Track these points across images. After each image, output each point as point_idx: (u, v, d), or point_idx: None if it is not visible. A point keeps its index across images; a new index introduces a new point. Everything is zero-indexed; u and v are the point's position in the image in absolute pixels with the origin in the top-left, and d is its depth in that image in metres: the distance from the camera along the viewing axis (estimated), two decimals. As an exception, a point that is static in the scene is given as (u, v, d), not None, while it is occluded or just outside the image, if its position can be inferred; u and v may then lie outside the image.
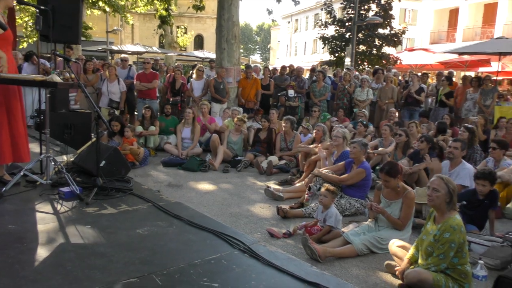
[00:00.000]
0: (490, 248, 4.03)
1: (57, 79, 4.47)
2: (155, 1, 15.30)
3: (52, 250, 3.11)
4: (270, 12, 12.52)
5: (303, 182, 6.05)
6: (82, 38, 9.99)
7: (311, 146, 7.08)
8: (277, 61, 51.45)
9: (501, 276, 2.52)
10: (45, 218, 3.77)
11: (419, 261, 3.39)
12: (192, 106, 9.64)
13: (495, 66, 14.12)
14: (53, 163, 4.70)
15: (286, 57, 51.03)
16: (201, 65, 10.93)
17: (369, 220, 4.39)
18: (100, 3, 17.90)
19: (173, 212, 3.93)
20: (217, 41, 10.51)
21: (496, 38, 13.99)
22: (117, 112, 8.92)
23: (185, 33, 30.82)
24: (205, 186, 6.35)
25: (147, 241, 3.29)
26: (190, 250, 3.13)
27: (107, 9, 19.01)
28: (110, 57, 21.77)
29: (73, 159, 5.44)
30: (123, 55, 11.78)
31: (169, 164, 7.49)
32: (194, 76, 10.36)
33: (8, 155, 4.36)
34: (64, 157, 5.53)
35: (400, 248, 3.75)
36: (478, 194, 4.59)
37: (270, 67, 14.98)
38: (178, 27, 31.71)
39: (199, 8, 13.30)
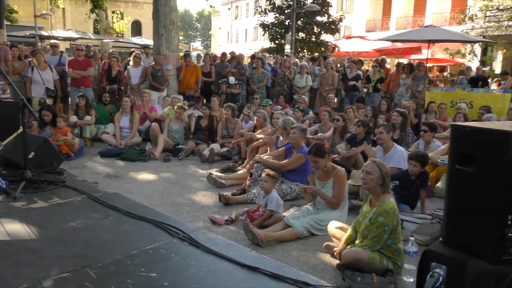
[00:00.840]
0: (421, 225, 4.27)
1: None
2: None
3: (-25, 249, 2.89)
4: (207, -3, 12.29)
5: (245, 168, 6.07)
6: (6, 23, 9.31)
7: (251, 132, 7.10)
8: (218, 48, 50.97)
9: (427, 250, 2.66)
10: (-34, 215, 3.50)
11: (356, 241, 3.52)
12: (131, 94, 9.32)
13: (425, 53, 14.83)
14: (-25, 156, 4.37)
15: (228, 44, 50.69)
16: (138, 52, 10.54)
17: (309, 204, 4.50)
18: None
19: (109, 203, 3.79)
20: (154, 27, 10.18)
21: (425, 27, 14.63)
22: (49, 101, 8.39)
23: (122, 18, 29.71)
24: (145, 176, 6.19)
25: (81, 234, 3.15)
26: (127, 241, 3.04)
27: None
28: (40, 43, 20.44)
29: (-2, 151, 5.08)
30: (53, 41, 11.06)
31: (107, 155, 7.23)
32: (131, 63, 9.99)
33: None
34: (-12, 150, 5.15)
35: (339, 230, 3.87)
36: (411, 174, 4.82)
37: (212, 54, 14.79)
38: (113, 12, 30.41)
39: (134, -8, 12.82)
